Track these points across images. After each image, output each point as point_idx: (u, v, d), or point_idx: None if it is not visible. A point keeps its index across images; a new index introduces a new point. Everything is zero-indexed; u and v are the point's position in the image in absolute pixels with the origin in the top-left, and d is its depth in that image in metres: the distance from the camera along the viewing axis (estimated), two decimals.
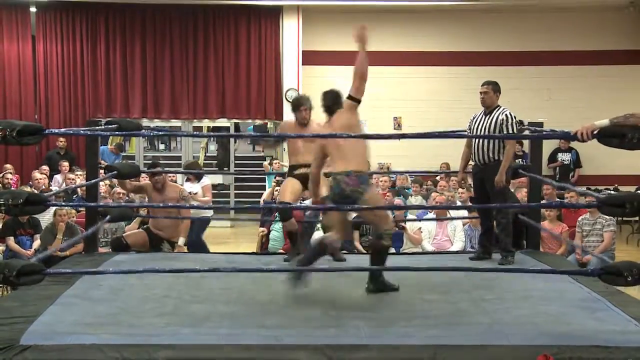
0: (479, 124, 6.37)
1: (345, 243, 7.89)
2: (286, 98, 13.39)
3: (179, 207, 7.49)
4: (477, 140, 6.34)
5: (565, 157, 13.45)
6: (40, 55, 13.34)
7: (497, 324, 4.65)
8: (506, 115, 6.27)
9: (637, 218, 11.30)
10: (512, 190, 7.40)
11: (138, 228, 7.97)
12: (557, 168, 13.46)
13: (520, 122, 6.71)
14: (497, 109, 6.33)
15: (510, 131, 6.27)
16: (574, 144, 12.83)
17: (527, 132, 6.74)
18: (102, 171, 7.05)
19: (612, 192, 10.18)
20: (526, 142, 7.47)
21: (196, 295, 5.24)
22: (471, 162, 6.60)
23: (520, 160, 10.79)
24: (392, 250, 8.08)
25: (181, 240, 7.54)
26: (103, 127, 6.60)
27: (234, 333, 4.44)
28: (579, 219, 8.34)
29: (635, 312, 4.83)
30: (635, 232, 11.97)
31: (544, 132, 6.87)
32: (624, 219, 11.46)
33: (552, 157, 13.53)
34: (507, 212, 6.42)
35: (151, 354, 4.09)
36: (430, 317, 4.77)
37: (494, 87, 6.36)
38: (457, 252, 7.60)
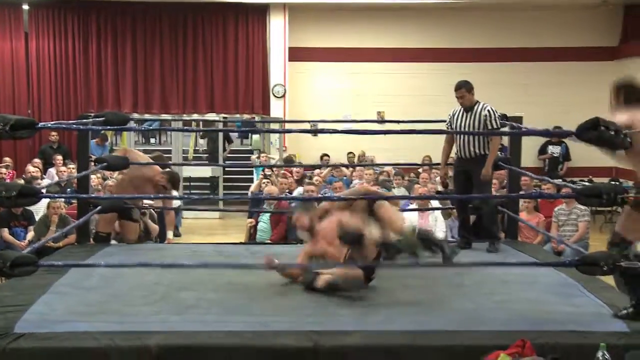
0: (461, 121, 6.36)
1: None
2: (273, 93, 13.39)
3: (168, 198, 7.45)
4: (461, 135, 6.34)
5: (555, 150, 13.45)
6: (33, 51, 13.25)
7: (476, 310, 4.67)
8: (488, 110, 6.28)
9: (610, 208, 11.36)
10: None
11: None
12: (547, 160, 13.51)
13: (504, 116, 6.74)
14: (477, 105, 6.33)
15: (495, 126, 6.29)
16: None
17: (507, 127, 6.76)
18: (93, 164, 7.01)
19: (587, 183, 10.23)
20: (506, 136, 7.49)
21: (185, 283, 5.22)
22: (452, 156, 6.62)
23: (500, 152, 10.81)
24: None
25: (169, 234, 7.51)
26: (91, 120, 6.52)
27: (222, 320, 4.43)
28: (555, 209, 8.39)
29: (608, 297, 4.87)
30: (608, 222, 12.04)
31: (524, 128, 6.91)
32: (598, 209, 11.52)
33: (543, 150, 13.57)
34: (492, 202, 6.48)
35: (142, 340, 4.08)
36: (411, 304, 4.78)
37: (466, 89, 6.32)
38: None
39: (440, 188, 8.75)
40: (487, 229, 6.46)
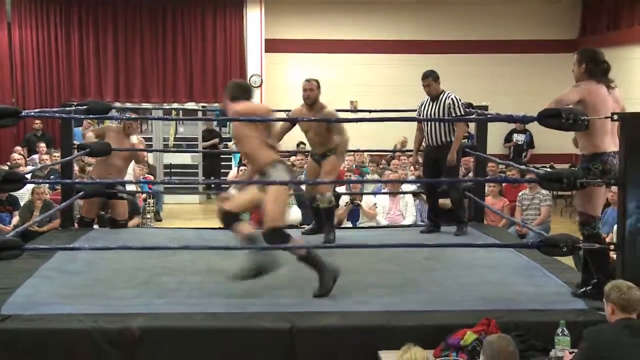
0: (428, 110, 6.41)
1: (306, 218, 7.93)
2: (250, 83, 13.33)
3: (149, 183, 7.39)
4: (429, 124, 6.38)
5: (519, 138, 13.51)
6: (16, 41, 13.02)
7: (445, 292, 4.72)
8: (452, 99, 6.32)
9: (570, 193, 11.49)
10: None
11: None
12: (512, 148, 13.59)
13: (470, 105, 6.78)
14: (442, 94, 6.38)
15: (458, 113, 6.33)
16: (529, 126, 12.96)
17: (474, 115, 6.80)
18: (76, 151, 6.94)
19: (549, 169, 10.35)
20: (472, 124, 7.51)
21: (167, 268, 5.21)
22: (423, 144, 6.65)
23: (467, 140, 10.90)
24: (349, 224, 8.15)
25: None
26: (74, 108, 6.46)
27: (203, 302, 4.43)
28: (519, 194, 8.47)
29: (568, 277, 4.95)
30: (568, 206, 12.19)
31: (489, 115, 6.94)
32: (559, 194, 11.66)
33: (508, 138, 13.63)
34: (459, 187, 6.53)
35: (125, 322, 4.08)
36: (385, 286, 4.82)
37: (433, 78, 6.37)
38: (409, 226, 7.67)
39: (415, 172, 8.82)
40: (455, 213, 6.52)
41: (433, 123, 6.34)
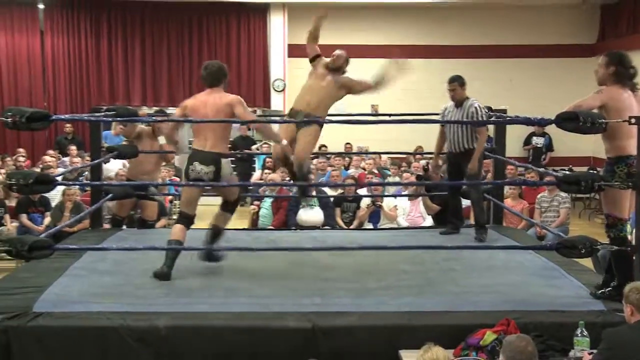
0: (451, 116, 6.25)
1: (328, 219, 7.92)
2: (273, 88, 13.38)
3: (175, 185, 7.41)
4: (452, 131, 6.25)
5: (538, 141, 13.38)
6: (48, 48, 13.20)
7: (465, 292, 4.68)
8: (475, 107, 6.16)
9: (589, 195, 11.37)
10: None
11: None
12: (531, 151, 13.47)
13: (489, 109, 6.68)
14: (466, 101, 6.23)
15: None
16: (548, 129, 12.86)
17: (493, 118, 6.72)
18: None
19: (567, 172, 10.26)
20: (491, 127, 7.43)
21: (192, 268, 5.22)
22: (445, 150, 6.54)
23: (487, 144, 10.80)
24: (370, 225, 8.13)
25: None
26: (103, 113, 6.52)
27: (227, 302, 4.44)
28: (538, 196, 8.38)
29: (587, 279, 4.89)
30: (587, 208, 12.07)
31: (509, 118, 6.86)
32: (577, 196, 11.52)
33: (527, 141, 13.50)
34: (479, 189, 6.43)
35: (152, 320, 4.10)
36: (405, 287, 4.78)
37: (459, 83, 6.21)
38: (429, 228, 7.62)
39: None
40: (476, 218, 6.40)
41: (456, 130, 6.20)
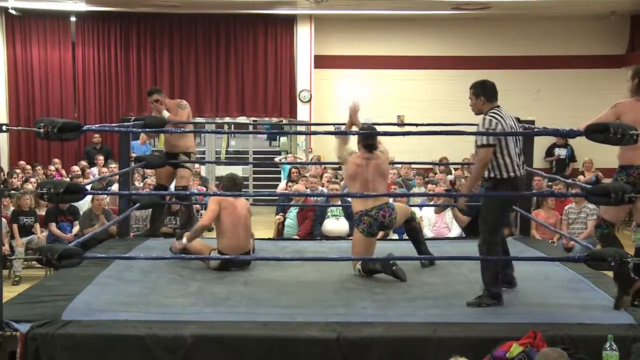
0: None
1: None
2: (300, 98, 13.42)
3: (204, 195, 7.44)
4: None
5: (561, 152, 13.26)
6: (79, 60, 13.38)
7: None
8: (481, 119, 4.82)
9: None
10: None
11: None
12: (554, 162, 13.35)
13: (517, 119, 6.37)
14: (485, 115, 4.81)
15: (479, 141, 4.73)
16: (570, 140, 12.73)
17: (521, 128, 6.60)
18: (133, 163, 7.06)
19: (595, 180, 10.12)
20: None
21: (218, 278, 5.24)
22: None
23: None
24: (396, 236, 8.09)
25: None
26: (132, 123, 6.56)
27: (252, 311, 4.45)
28: (566, 207, 8.29)
29: (615, 291, 4.79)
30: None
31: (536, 129, 6.73)
32: None
33: (550, 152, 13.39)
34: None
35: (178, 329, 4.11)
36: (430, 298, 4.76)
37: (474, 91, 4.86)
38: (454, 239, 7.57)
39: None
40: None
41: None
